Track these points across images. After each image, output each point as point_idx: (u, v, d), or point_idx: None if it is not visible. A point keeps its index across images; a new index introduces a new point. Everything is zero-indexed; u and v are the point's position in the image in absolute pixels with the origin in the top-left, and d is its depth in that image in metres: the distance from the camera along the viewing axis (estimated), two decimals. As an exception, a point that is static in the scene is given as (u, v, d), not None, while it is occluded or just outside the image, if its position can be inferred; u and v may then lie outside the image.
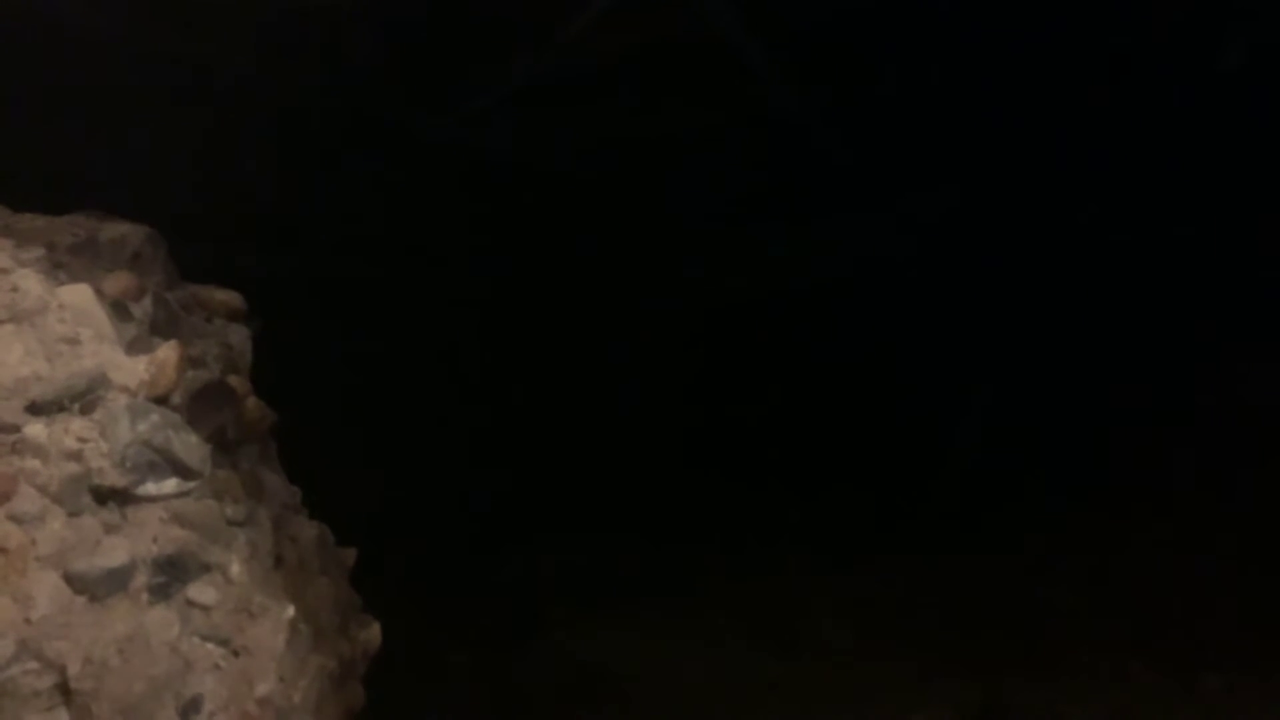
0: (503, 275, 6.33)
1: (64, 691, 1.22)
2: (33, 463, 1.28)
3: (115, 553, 1.31)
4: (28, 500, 1.26)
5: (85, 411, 1.34)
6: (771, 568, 4.96)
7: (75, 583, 1.26)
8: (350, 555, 1.78)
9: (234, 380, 1.58)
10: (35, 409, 1.30)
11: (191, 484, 1.41)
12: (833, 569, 4.87)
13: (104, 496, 1.32)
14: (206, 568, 1.40)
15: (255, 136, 3.63)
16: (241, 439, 1.57)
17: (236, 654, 1.39)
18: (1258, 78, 3.82)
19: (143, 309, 1.48)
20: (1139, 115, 4.61)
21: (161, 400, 1.41)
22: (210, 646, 1.37)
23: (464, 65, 3.72)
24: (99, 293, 1.42)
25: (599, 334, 7.11)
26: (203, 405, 1.47)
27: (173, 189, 3.25)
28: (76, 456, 1.31)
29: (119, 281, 1.46)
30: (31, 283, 1.37)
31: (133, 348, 1.42)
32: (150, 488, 1.37)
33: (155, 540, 1.35)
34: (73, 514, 1.29)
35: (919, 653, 3.89)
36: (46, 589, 1.24)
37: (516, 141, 4.49)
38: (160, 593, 1.34)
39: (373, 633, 1.74)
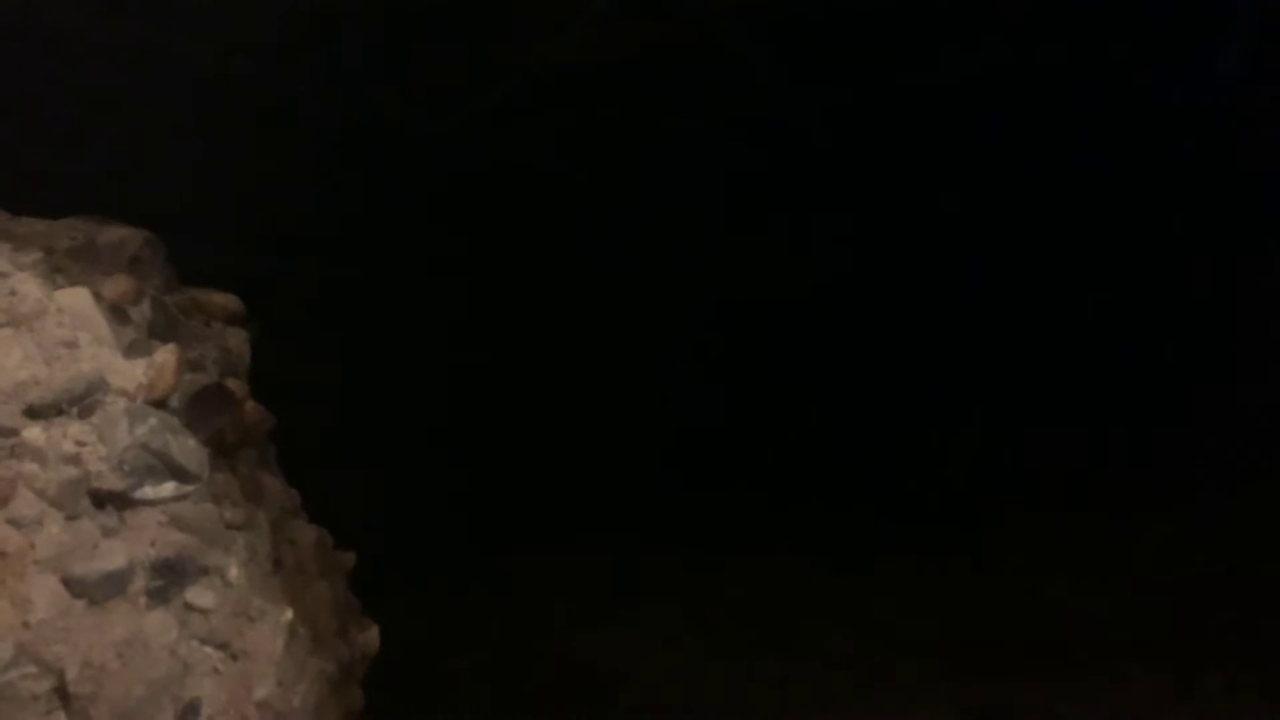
0: (502, 276, 6.33)
1: (62, 695, 1.22)
2: (31, 466, 1.28)
3: (113, 556, 1.31)
4: (26, 504, 1.26)
5: (83, 415, 1.34)
6: (772, 569, 4.96)
7: (74, 586, 1.26)
8: (349, 558, 1.78)
9: (232, 383, 1.58)
10: (33, 413, 1.30)
11: (190, 487, 1.41)
12: (833, 570, 4.87)
13: (102, 500, 1.32)
14: (205, 571, 1.40)
15: (254, 139, 3.64)
16: (240, 442, 1.57)
17: (235, 658, 1.39)
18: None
19: (141, 313, 1.48)
20: (1139, 117, 4.61)
21: (160, 404, 1.41)
22: (209, 650, 1.37)
23: (462, 66, 3.73)
24: (97, 296, 1.42)
25: (599, 334, 7.11)
26: (201, 409, 1.47)
27: (171, 192, 3.25)
28: (75, 460, 1.31)
29: (117, 285, 1.45)
30: (30, 286, 1.36)
31: (131, 351, 1.42)
32: (148, 491, 1.36)
33: (154, 544, 1.35)
34: (71, 518, 1.29)
35: (919, 654, 3.88)
36: (45, 593, 1.24)
37: (516, 141, 4.49)
38: (159, 596, 1.34)
39: (371, 636, 1.74)
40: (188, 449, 1.42)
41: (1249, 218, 4.67)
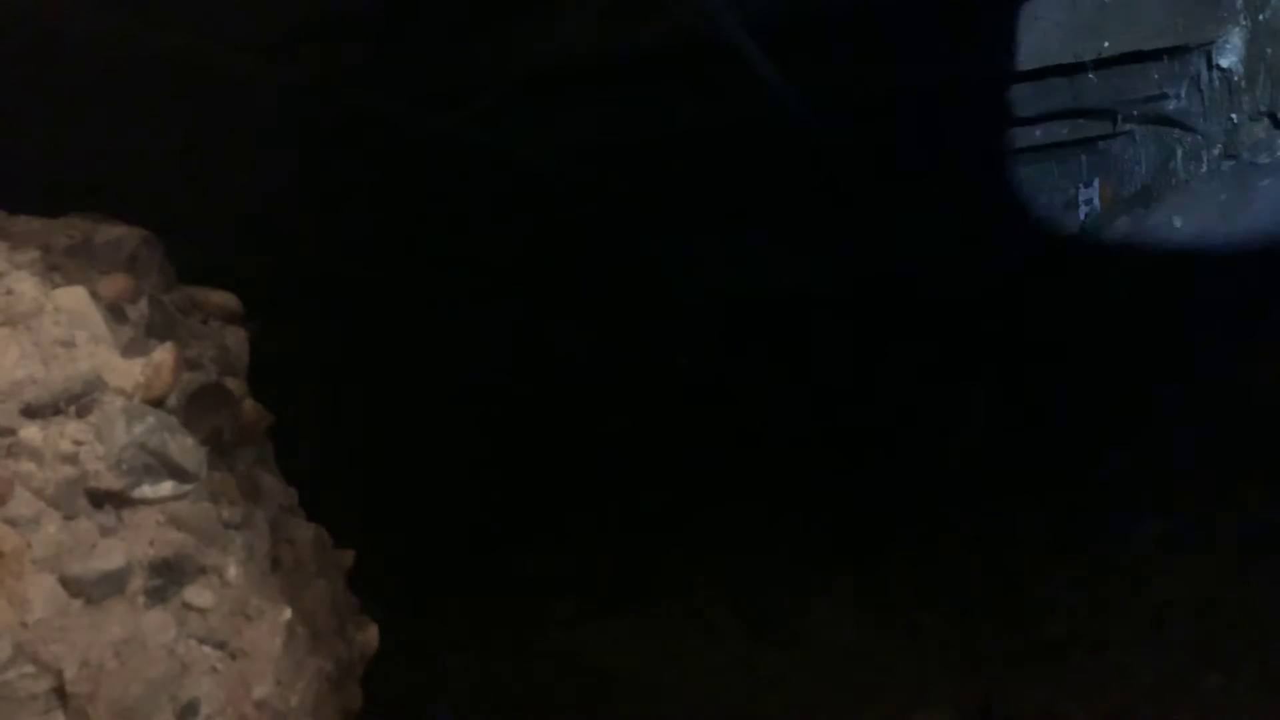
0: (502, 274, 6.33)
1: (60, 695, 1.22)
2: (28, 466, 1.27)
3: (112, 556, 1.30)
4: (23, 504, 1.26)
5: (81, 414, 1.33)
6: (771, 567, 4.96)
7: (71, 586, 1.26)
8: (348, 557, 1.78)
9: (230, 382, 1.57)
10: (30, 412, 1.29)
11: (188, 487, 1.41)
12: (833, 568, 4.87)
13: (100, 499, 1.32)
14: (203, 570, 1.40)
15: (252, 136, 3.63)
16: (238, 441, 1.57)
17: (234, 657, 1.39)
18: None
19: (139, 311, 1.47)
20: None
21: (158, 403, 1.41)
22: (207, 649, 1.37)
23: (463, 63, 3.72)
24: (95, 295, 1.41)
25: (599, 332, 7.10)
26: (199, 408, 1.47)
27: (169, 190, 3.25)
28: (72, 459, 1.30)
29: (115, 284, 1.45)
30: (27, 285, 1.36)
31: (129, 350, 1.41)
32: (146, 490, 1.36)
33: (152, 543, 1.35)
34: (69, 517, 1.29)
35: (919, 651, 3.89)
36: (43, 592, 1.24)
37: (516, 140, 4.49)
38: (157, 595, 1.33)
39: (370, 634, 1.74)
40: (186, 448, 1.41)
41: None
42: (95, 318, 1.39)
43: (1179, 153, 4.79)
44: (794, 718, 3.51)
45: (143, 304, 1.48)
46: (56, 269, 1.42)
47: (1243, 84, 3.96)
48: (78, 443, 1.31)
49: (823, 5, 3.77)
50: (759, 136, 5.10)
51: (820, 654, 3.99)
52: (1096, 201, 6.02)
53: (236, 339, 1.66)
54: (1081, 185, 6.23)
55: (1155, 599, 3.89)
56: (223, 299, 1.67)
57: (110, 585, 1.29)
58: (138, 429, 1.36)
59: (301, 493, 1.73)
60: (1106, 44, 3.98)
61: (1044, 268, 6.38)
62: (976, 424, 5.99)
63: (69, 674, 1.22)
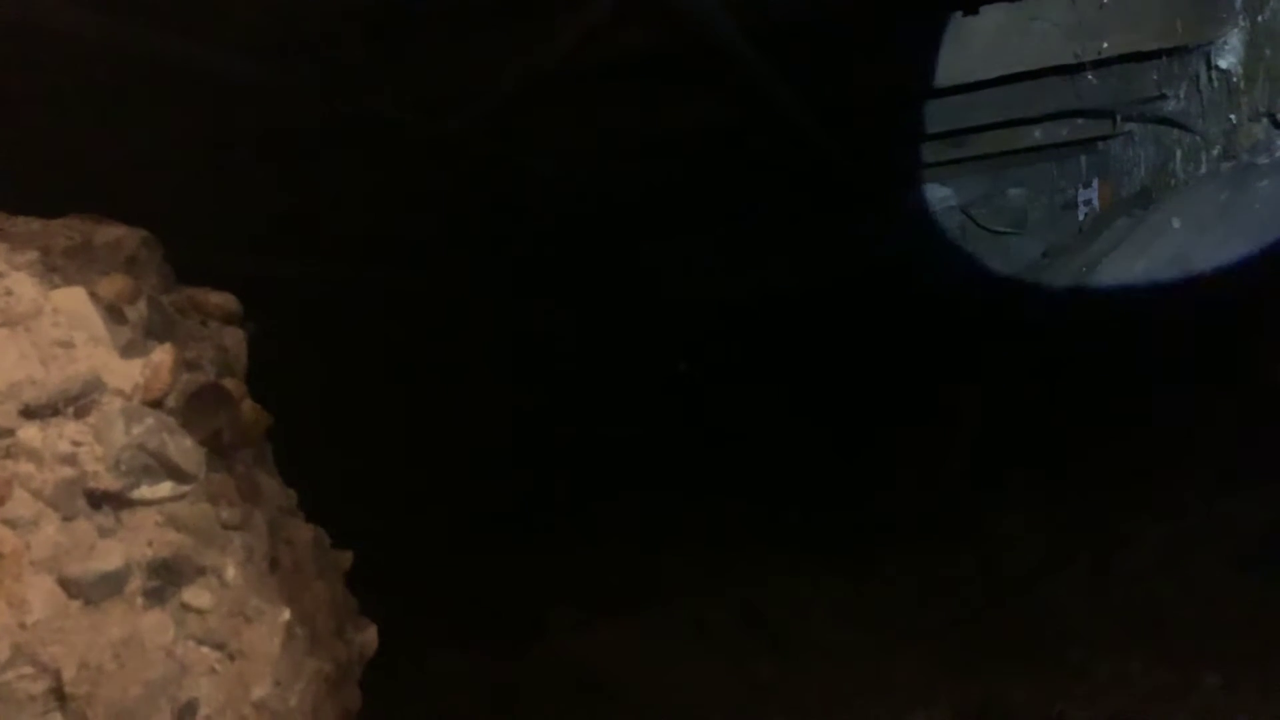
0: (502, 277, 6.33)
1: (59, 696, 1.22)
2: (27, 467, 1.27)
3: (110, 556, 1.30)
4: (22, 504, 1.26)
5: (80, 415, 1.33)
6: (770, 569, 4.96)
7: (70, 587, 1.26)
8: (346, 558, 1.78)
9: (229, 383, 1.57)
10: (29, 413, 1.29)
11: (186, 487, 1.40)
12: (831, 570, 4.87)
13: (98, 500, 1.32)
14: (202, 571, 1.40)
15: (251, 138, 3.63)
16: (237, 442, 1.57)
17: (232, 658, 1.39)
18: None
19: (137, 312, 1.47)
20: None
21: (156, 404, 1.41)
22: (206, 650, 1.37)
23: (462, 65, 3.73)
24: (94, 296, 1.41)
25: (599, 335, 7.10)
26: (198, 408, 1.46)
27: (168, 191, 3.25)
28: (71, 460, 1.30)
29: (114, 285, 1.45)
30: (25, 286, 1.36)
31: (127, 351, 1.41)
32: (145, 491, 1.36)
33: (150, 544, 1.35)
34: (67, 518, 1.29)
35: (917, 653, 3.88)
36: (41, 593, 1.24)
37: (517, 142, 4.49)
38: (155, 596, 1.33)
39: (369, 636, 1.74)
40: (184, 449, 1.41)
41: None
42: (94, 319, 1.39)
43: (1178, 154, 4.80)
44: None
45: (141, 305, 1.48)
46: (55, 270, 1.42)
47: (1242, 85, 3.96)
48: (76, 443, 1.31)
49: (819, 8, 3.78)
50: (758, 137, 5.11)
51: (818, 657, 3.98)
52: (1096, 202, 6.04)
53: (235, 340, 1.66)
54: (1081, 186, 6.25)
55: (1155, 601, 3.89)
56: (221, 300, 1.67)
57: (109, 586, 1.28)
58: (136, 430, 1.36)
59: (300, 494, 1.73)
60: (1106, 45, 3.98)
61: (1044, 268, 6.39)
62: (976, 424, 5.99)
63: (67, 675, 1.22)
